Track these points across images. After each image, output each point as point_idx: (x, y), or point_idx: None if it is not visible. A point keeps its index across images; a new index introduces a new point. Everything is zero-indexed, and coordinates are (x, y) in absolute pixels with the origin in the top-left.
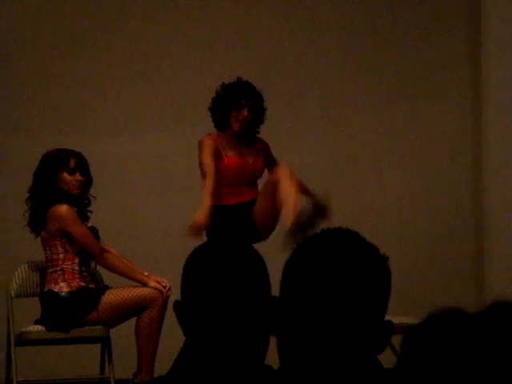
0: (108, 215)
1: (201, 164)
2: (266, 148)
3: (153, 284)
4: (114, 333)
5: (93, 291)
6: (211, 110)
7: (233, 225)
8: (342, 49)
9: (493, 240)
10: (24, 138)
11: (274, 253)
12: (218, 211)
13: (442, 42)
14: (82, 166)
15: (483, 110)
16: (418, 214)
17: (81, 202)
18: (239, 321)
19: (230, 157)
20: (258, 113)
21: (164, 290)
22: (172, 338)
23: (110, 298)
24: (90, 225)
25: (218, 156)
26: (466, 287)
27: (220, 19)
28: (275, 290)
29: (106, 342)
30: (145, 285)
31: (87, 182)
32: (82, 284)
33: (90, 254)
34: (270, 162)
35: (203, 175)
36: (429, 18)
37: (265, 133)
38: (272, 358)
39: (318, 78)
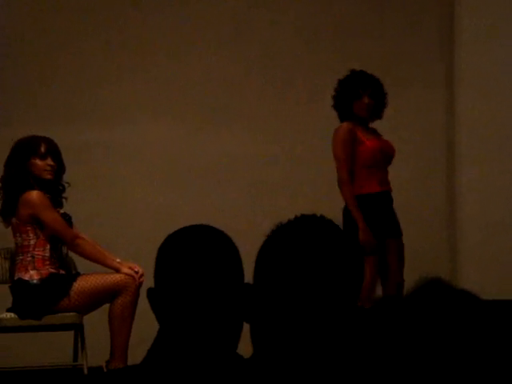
0: (98, 203)
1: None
2: None
3: (125, 270)
4: (87, 320)
5: (64, 277)
6: (335, 107)
7: (378, 215)
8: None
9: (466, 233)
10: (9, 129)
11: (247, 240)
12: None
13: (416, 37)
14: (53, 151)
15: (456, 105)
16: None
17: (54, 189)
18: (212, 308)
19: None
20: (379, 98)
21: (136, 276)
22: (146, 326)
23: (81, 284)
24: (62, 211)
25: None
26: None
27: (213, 10)
28: (248, 278)
29: (78, 329)
30: (117, 271)
31: (60, 168)
32: (53, 271)
33: (62, 241)
34: None
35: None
36: (404, 12)
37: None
38: (244, 346)
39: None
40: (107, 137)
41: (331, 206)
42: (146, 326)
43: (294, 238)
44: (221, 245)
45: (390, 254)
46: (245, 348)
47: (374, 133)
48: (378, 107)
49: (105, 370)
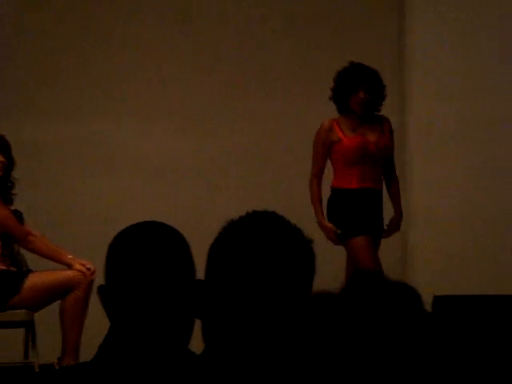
0: (48, 200)
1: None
2: (391, 132)
3: (77, 266)
4: (38, 316)
5: (14, 274)
6: (333, 99)
7: (356, 211)
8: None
9: (416, 230)
10: None
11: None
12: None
13: (368, 39)
14: (3, 147)
15: (406, 107)
16: None
17: (3, 185)
18: (163, 304)
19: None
20: (376, 91)
21: (88, 273)
22: (98, 323)
23: (32, 281)
24: (13, 208)
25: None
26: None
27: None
28: (200, 274)
29: (29, 327)
30: (69, 267)
31: (9, 164)
32: (3, 267)
33: (13, 237)
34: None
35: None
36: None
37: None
38: (196, 342)
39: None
40: (60, 133)
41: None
42: (98, 323)
43: (245, 234)
44: (171, 241)
45: None
46: (196, 344)
47: (371, 127)
48: (374, 101)
49: (56, 367)
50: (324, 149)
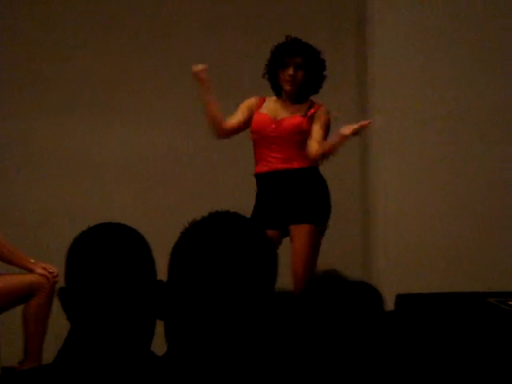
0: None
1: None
2: (319, 116)
3: (39, 271)
4: (1, 319)
5: None
6: (265, 75)
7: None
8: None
9: (379, 227)
10: None
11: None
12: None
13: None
14: None
15: (368, 111)
16: None
17: None
18: (124, 306)
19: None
20: (310, 69)
21: (50, 276)
22: (61, 326)
23: None
24: None
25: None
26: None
27: None
28: (161, 275)
29: None
30: (31, 272)
31: None
32: None
33: None
34: (314, 134)
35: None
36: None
37: None
38: (158, 343)
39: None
40: (25, 132)
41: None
42: (61, 326)
43: (207, 234)
44: (130, 242)
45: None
46: (159, 346)
47: (294, 109)
48: (310, 80)
49: (16, 371)
50: (244, 108)
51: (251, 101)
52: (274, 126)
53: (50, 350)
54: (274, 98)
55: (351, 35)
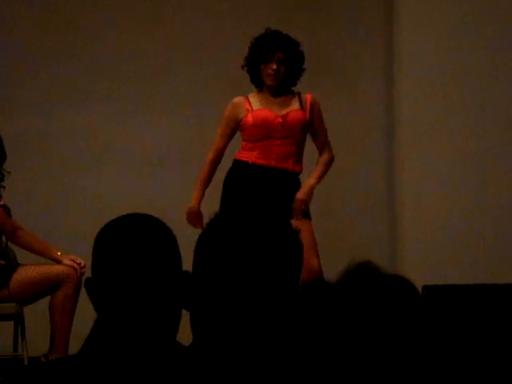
0: (33, 194)
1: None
2: (317, 111)
3: (67, 262)
4: (28, 310)
5: (3, 268)
6: (244, 68)
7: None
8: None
9: (406, 222)
10: None
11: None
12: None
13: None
14: None
15: (394, 103)
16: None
17: None
18: (150, 296)
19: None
20: (292, 63)
21: (78, 268)
22: (88, 317)
23: (21, 275)
24: (2, 203)
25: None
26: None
27: None
28: (187, 266)
29: (19, 320)
30: (59, 263)
31: (0, 157)
32: None
33: (1, 232)
34: (318, 135)
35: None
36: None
37: None
38: (184, 333)
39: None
40: (41, 126)
41: None
42: (88, 318)
43: (233, 225)
44: (157, 233)
45: None
46: (185, 336)
47: (284, 102)
48: (292, 74)
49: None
50: (228, 128)
51: (234, 107)
52: (280, 120)
53: (77, 341)
54: (255, 93)
55: (379, 23)
